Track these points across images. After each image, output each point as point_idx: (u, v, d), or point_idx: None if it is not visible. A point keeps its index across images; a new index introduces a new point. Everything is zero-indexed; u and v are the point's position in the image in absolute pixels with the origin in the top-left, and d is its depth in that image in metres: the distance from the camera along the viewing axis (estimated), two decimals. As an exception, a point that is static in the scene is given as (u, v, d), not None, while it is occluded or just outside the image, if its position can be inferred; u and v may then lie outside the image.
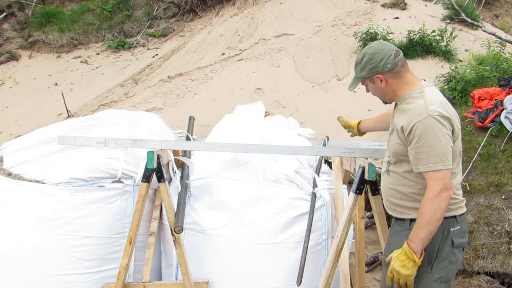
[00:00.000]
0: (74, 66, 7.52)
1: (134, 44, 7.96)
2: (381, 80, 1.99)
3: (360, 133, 2.70)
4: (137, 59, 7.55)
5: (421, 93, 1.93)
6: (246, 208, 2.67)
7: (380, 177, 2.25)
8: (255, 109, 3.71)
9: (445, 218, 1.87)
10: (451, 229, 1.91)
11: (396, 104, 2.08)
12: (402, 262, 1.85)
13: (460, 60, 6.42)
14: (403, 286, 1.88)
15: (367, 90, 2.13)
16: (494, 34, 6.09)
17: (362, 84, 2.10)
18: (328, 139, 3.37)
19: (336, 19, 7.77)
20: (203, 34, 7.90)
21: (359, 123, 2.68)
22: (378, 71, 1.97)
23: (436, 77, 5.41)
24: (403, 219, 2.01)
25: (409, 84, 1.99)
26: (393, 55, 1.97)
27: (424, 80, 2.06)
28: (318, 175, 2.94)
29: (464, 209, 2.00)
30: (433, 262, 1.91)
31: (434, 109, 1.83)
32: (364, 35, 6.48)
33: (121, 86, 6.66)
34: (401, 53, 2.01)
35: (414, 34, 6.57)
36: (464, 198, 2.02)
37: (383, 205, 2.38)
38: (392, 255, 1.92)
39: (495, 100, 3.92)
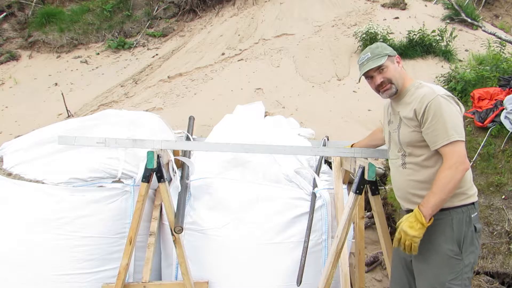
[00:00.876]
0: (74, 66, 7.52)
1: (134, 44, 7.96)
2: (398, 62, 2.14)
3: None
4: (137, 59, 7.55)
5: (420, 84, 2.09)
6: (246, 208, 2.67)
7: (379, 177, 2.25)
8: (255, 109, 3.71)
9: (466, 205, 1.98)
10: (472, 215, 2.00)
11: (394, 101, 2.17)
12: (411, 223, 1.91)
13: (460, 60, 6.42)
14: (408, 248, 1.94)
15: (378, 80, 2.11)
16: (494, 34, 6.10)
17: (383, 65, 2.09)
18: (328, 139, 3.37)
19: (336, 19, 7.77)
20: (203, 34, 7.90)
21: (352, 146, 2.71)
22: (396, 55, 2.15)
23: (436, 77, 5.41)
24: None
25: (409, 78, 2.16)
26: None
27: None
28: (318, 175, 2.94)
29: (477, 197, 2.09)
30: (462, 249, 1.97)
31: (440, 91, 1.99)
32: (364, 35, 6.49)
33: (121, 86, 6.66)
34: None
35: (414, 34, 6.57)
36: None
37: (383, 205, 2.38)
38: (402, 218, 1.98)
39: (495, 100, 3.92)
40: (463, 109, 2.04)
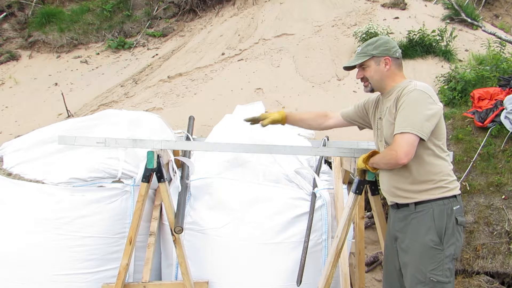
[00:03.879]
0: (74, 66, 7.52)
1: (134, 44, 7.96)
2: (386, 64, 2.17)
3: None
4: (137, 59, 7.55)
5: (410, 81, 2.14)
6: (246, 208, 2.67)
7: (380, 177, 2.25)
8: (255, 109, 3.71)
9: (448, 198, 2.05)
10: (454, 208, 2.05)
11: (382, 97, 2.25)
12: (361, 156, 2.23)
13: (460, 60, 6.42)
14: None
15: (359, 75, 2.25)
16: (494, 34, 6.09)
17: (364, 64, 2.20)
18: (328, 139, 3.37)
19: (336, 19, 7.77)
20: (203, 34, 7.90)
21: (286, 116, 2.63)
22: (389, 55, 2.17)
23: (436, 77, 5.41)
24: (407, 205, 2.11)
25: (403, 77, 2.21)
26: (400, 50, 2.22)
27: None
28: (318, 175, 2.94)
29: (459, 190, 2.14)
30: (443, 240, 2.03)
31: (420, 87, 2.04)
32: (364, 35, 6.48)
33: (121, 86, 6.66)
34: None
35: (414, 34, 6.57)
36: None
37: (383, 205, 2.39)
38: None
39: (495, 100, 3.92)
40: (440, 108, 2.05)
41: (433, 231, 2.03)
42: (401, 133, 1.97)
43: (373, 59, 2.18)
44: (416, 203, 2.08)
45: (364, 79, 2.23)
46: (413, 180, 2.07)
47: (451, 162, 2.17)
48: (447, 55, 6.47)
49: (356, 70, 2.28)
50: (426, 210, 2.05)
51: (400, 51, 2.22)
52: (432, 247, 2.03)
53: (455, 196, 2.08)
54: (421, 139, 1.97)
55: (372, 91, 2.24)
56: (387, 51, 2.17)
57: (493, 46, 5.67)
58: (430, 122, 1.98)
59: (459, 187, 2.13)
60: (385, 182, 2.21)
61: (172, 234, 2.49)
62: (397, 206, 2.18)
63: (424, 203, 2.06)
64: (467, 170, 3.54)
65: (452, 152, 2.44)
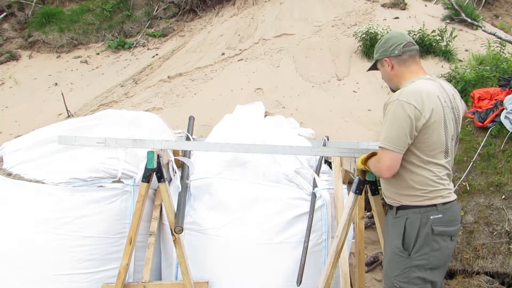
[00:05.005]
0: (74, 66, 7.52)
1: (134, 44, 7.96)
2: (388, 65, 2.14)
3: None
4: (137, 59, 7.55)
5: (411, 83, 2.05)
6: (246, 208, 2.67)
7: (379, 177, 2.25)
8: (255, 109, 3.71)
9: (424, 206, 2.00)
10: (431, 217, 2.00)
11: None
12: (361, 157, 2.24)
13: (460, 60, 6.42)
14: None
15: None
16: (494, 34, 6.09)
17: (376, 67, 2.25)
18: (328, 139, 3.37)
19: (336, 19, 7.77)
20: (203, 34, 7.90)
21: None
22: (387, 55, 2.13)
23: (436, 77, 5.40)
24: (392, 207, 2.14)
25: (413, 73, 2.11)
26: (403, 44, 2.11)
27: (429, 76, 2.15)
28: (318, 175, 2.94)
29: (450, 198, 2.05)
30: (412, 249, 2.01)
31: (404, 95, 1.96)
32: (364, 35, 6.48)
33: (121, 86, 6.66)
34: (415, 45, 2.15)
35: (414, 34, 6.56)
36: (450, 187, 2.08)
37: (383, 205, 2.39)
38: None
39: (495, 100, 3.92)
40: (439, 118, 1.98)
41: (400, 238, 2.03)
42: (380, 147, 1.99)
43: (378, 62, 2.21)
44: (398, 208, 2.09)
45: None
46: (396, 185, 2.08)
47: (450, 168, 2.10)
48: (447, 55, 6.47)
49: (367, 73, 2.33)
50: (401, 217, 2.06)
51: (402, 46, 2.10)
52: (396, 253, 2.05)
53: (435, 205, 2.01)
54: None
55: (392, 90, 2.20)
56: (385, 52, 2.14)
57: (493, 46, 5.66)
58: (407, 134, 1.93)
59: (445, 196, 2.04)
60: (383, 185, 2.23)
61: (172, 234, 2.49)
62: (389, 206, 2.20)
63: (403, 209, 2.06)
64: (467, 170, 3.54)
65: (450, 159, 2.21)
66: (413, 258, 2.01)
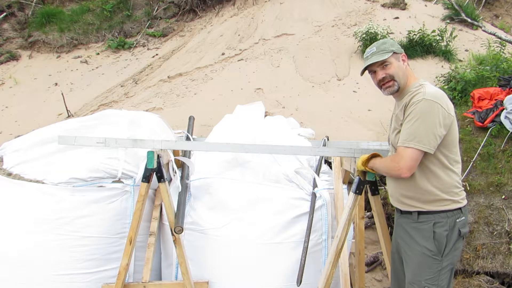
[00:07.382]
0: (74, 66, 7.52)
1: (134, 44, 7.96)
2: (403, 61, 2.14)
3: None
4: (137, 59, 7.55)
5: (420, 86, 2.07)
6: (246, 208, 2.67)
7: (379, 177, 2.26)
8: (255, 109, 3.71)
9: (452, 210, 2.01)
10: (457, 220, 2.02)
11: (396, 102, 2.19)
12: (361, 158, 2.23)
13: (460, 60, 6.42)
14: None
15: (380, 75, 2.12)
16: (494, 34, 6.09)
17: (387, 61, 2.10)
18: (328, 139, 3.37)
19: (336, 19, 7.77)
20: (203, 34, 7.90)
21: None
22: (403, 53, 2.16)
23: (436, 77, 5.41)
24: (410, 212, 2.10)
25: (413, 76, 2.16)
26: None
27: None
28: (318, 175, 2.94)
29: (466, 201, 2.10)
30: (444, 251, 2.02)
31: (429, 94, 1.97)
32: (364, 35, 6.48)
33: (121, 86, 6.65)
34: None
35: (414, 34, 6.57)
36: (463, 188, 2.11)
37: (383, 205, 2.39)
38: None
39: (495, 100, 3.92)
40: (451, 117, 1.99)
41: (431, 241, 2.02)
42: (405, 146, 1.93)
43: (394, 55, 2.10)
44: (419, 213, 2.06)
45: (386, 78, 2.11)
46: (418, 190, 2.04)
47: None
48: (447, 55, 6.47)
49: (367, 74, 2.21)
50: (428, 221, 2.03)
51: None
52: (430, 256, 2.02)
53: (460, 208, 2.04)
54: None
55: (398, 89, 2.11)
56: (400, 50, 2.15)
57: (493, 46, 5.66)
58: (437, 134, 1.92)
59: (464, 198, 2.09)
60: (392, 188, 2.20)
61: (172, 234, 2.49)
62: (401, 212, 2.17)
63: (427, 214, 2.03)
64: (467, 170, 3.54)
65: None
66: (443, 260, 2.02)
